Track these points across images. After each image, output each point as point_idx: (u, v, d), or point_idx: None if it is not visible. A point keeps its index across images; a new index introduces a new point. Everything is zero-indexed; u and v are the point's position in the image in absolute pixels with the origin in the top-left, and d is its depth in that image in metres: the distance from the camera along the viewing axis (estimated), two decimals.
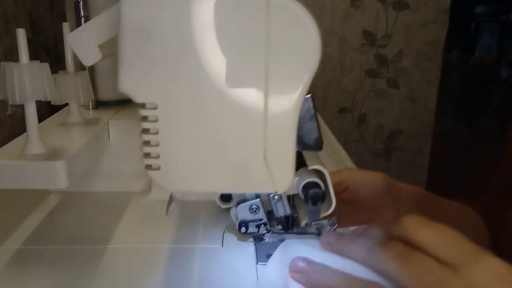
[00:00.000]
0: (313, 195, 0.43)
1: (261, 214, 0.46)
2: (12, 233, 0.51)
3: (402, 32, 1.68)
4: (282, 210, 0.46)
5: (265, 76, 0.32)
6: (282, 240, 0.43)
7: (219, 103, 0.32)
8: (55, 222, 0.54)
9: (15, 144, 0.47)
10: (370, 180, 0.48)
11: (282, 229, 0.47)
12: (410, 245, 0.32)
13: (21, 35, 0.40)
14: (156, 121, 0.33)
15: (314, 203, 0.43)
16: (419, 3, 1.66)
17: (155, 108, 0.33)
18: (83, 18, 0.61)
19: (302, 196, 0.44)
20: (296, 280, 0.36)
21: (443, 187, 0.52)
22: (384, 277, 0.32)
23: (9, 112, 0.46)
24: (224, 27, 0.31)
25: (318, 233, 0.45)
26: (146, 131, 0.33)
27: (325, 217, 0.45)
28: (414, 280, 0.30)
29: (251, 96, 0.32)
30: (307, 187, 0.43)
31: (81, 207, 0.58)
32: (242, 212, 0.47)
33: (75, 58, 0.41)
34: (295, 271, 0.37)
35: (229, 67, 0.32)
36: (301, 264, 0.36)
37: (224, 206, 0.52)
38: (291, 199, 0.47)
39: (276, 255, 0.41)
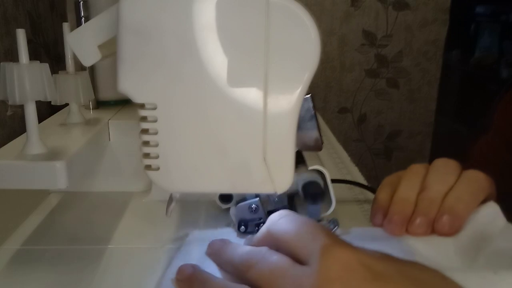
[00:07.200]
0: (313, 194, 0.43)
1: (261, 214, 0.46)
2: (12, 233, 0.51)
3: (402, 32, 1.69)
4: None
5: (264, 76, 0.32)
6: None
7: (218, 103, 0.32)
8: (55, 222, 0.54)
9: (15, 144, 0.47)
10: None
11: None
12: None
13: (21, 35, 0.40)
14: (155, 121, 0.33)
15: (314, 202, 0.43)
16: (419, 3, 1.66)
17: (155, 109, 0.33)
18: (83, 18, 0.61)
19: (302, 195, 0.44)
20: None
21: None
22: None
23: (9, 113, 0.46)
24: (224, 27, 0.31)
25: None
26: (145, 131, 0.33)
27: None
28: (272, 286, 0.28)
29: (250, 96, 0.32)
30: (307, 186, 0.43)
31: (81, 207, 0.58)
32: (241, 211, 0.47)
33: (75, 58, 0.41)
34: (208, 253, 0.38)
35: (229, 67, 0.32)
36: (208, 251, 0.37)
37: (224, 206, 0.52)
38: (291, 199, 0.47)
39: None
